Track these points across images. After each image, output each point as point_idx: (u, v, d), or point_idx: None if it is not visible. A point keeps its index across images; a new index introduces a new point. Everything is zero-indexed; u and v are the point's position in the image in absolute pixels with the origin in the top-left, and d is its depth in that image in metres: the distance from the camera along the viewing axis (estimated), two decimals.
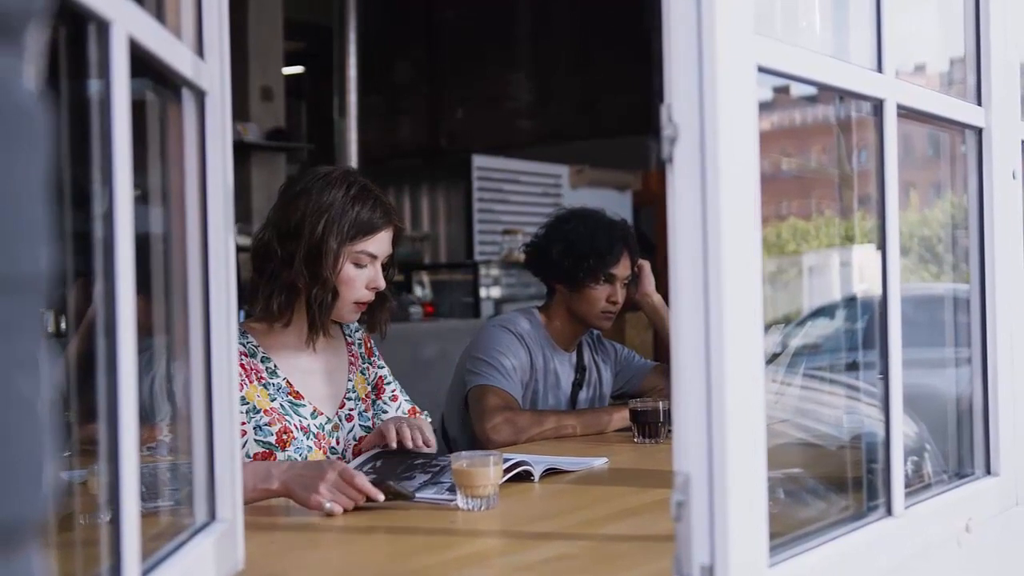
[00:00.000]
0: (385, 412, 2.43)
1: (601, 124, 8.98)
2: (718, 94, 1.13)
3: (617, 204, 7.33)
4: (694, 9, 1.13)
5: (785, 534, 1.30)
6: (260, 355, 2.25)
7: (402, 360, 5.54)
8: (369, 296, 2.27)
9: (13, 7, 0.52)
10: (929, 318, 2.05)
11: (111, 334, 0.99)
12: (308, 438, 2.23)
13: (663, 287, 2.95)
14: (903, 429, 1.54)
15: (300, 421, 2.23)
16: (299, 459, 2.19)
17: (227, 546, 1.38)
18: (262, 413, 2.19)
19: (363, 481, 1.86)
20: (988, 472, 1.82)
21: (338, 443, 2.30)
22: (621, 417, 2.81)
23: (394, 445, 2.14)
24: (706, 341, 1.14)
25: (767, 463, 1.21)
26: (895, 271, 1.52)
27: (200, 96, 1.34)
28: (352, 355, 2.42)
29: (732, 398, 1.13)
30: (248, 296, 2.26)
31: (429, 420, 2.47)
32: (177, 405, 1.43)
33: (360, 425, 2.36)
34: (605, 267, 2.92)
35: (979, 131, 1.82)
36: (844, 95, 1.60)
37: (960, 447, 1.87)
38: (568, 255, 2.92)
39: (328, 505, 1.84)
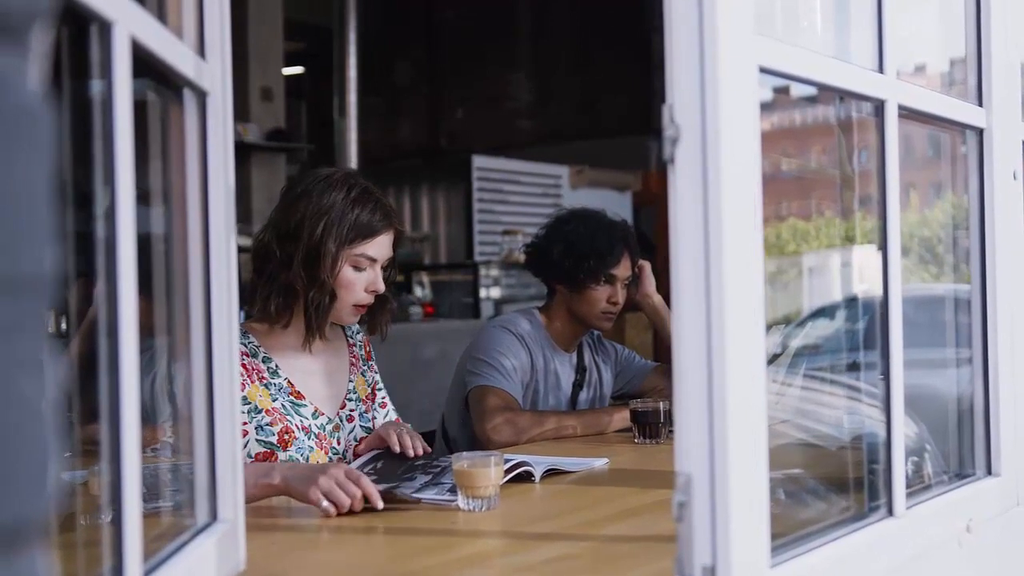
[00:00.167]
0: (374, 418, 2.43)
1: (601, 124, 8.98)
2: (719, 95, 1.13)
3: (617, 204, 7.33)
4: (695, 10, 1.13)
5: (786, 535, 1.30)
6: (261, 355, 2.25)
7: (402, 360, 5.56)
8: (368, 299, 2.27)
9: (17, 7, 0.52)
10: (929, 319, 2.05)
11: (113, 334, 0.99)
12: (309, 438, 2.23)
13: (663, 287, 2.96)
14: (903, 430, 1.54)
15: (301, 421, 2.23)
16: (300, 459, 2.20)
17: (229, 547, 1.38)
18: (263, 413, 2.19)
19: (366, 482, 1.86)
20: (989, 473, 1.82)
21: (339, 443, 2.30)
22: (621, 418, 2.81)
23: (396, 449, 2.14)
24: (707, 341, 1.14)
25: (768, 464, 1.21)
26: (896, 272, 1.52)
27: (202, 96, 1.35)
28: (353, 356, 2.42)
29: (733, 398, 1.13)
30: (247, 297, 2.26)
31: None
32: (178, 406, 1.43)
33: (361, 426, 2.36)
34: (606, 268, 2.92)
35: (980, 132, 1.82)
36: (845, 96, 1.60)
37: (961, 447, 1.87)
38: (569, 256, 2.92)
39: (325, 504, 1.84)
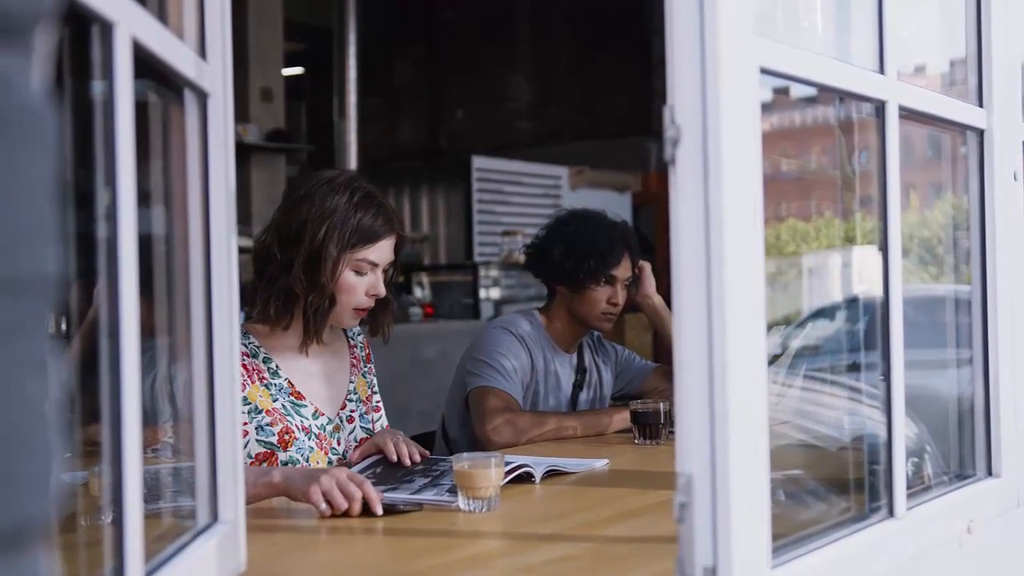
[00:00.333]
0: (374, 421, 2.43)
1: (601, 125, 8.98)
2: (720, 96, 1.13)
3: (616, 205, 7.33)
4: (697, 11, 1.13)
5: (787, 535, 1.30)
6: (262, 356, 2.25)
7: (402, 361, 5.56)
8: (369, 303, 2.26)
9: (20, 8, 0.52)
10: (929, 319, 2.05)
11: (114, 335, 0.99)
12: (309, 438, 2.23)
13: (663, 288, 2.96)
14: (904, 430, 1.54)
15: (301, 421, 2.23)
16: (300, 459, 2.20)
17: (229, 547, 1.38)
18: (264, 413, 2.19)
19: (368, 486, 1.86)
20: (989, 473, 1.82)
21: (339, 444, 2.30)
22: (622, 418, 2.81)
23: (393, 458, 2.14)
24: (708, 342, 1.14)
25: (769, 464, 1.21)
26: (897, 273, 1.52)
27: (202, 97, 1.35)
28: (354, 357, 2.42)
29: (734, 399, 1.14)
30: (247, 299, 2.26)
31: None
32: (179, 406, 1.43)
33: (361, 427, 2.36)
34: (606, 268, 2.92)
35: (980, 132, 1.82)
36: (846, 96, 1.60)
37: (961, 448, 1.87)
38: (569, 256, 2.92)
39: (323, 506, 1.83)
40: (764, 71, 1.22)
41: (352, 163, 7.21)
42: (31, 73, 0.54)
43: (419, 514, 1.88)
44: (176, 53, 1.22)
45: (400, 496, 1.96)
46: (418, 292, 7.34)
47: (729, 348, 1.13)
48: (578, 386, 3.07)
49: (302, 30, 8.30)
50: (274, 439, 2.18)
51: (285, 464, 2.17)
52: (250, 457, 2.15)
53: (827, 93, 1.60)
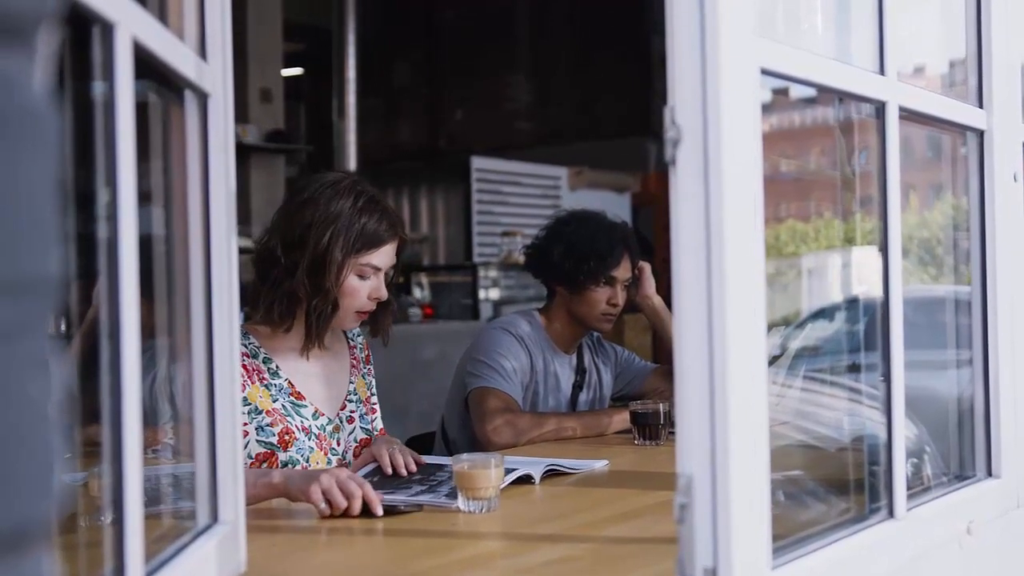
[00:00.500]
0: (373, 422, 2.43)
1: (600, 126, 8.98)
2: (721, 96, 1.13)
3: (616, 205, 7.33)
4: (697, 12, 1.13)
5: (787, 536, 1.30)
6: (262, 356, 2.25)
7: (401, 362, 5.56)
8: (371, 306, 2.27)
9: (22, 8, 0.52)
10: (928, 320, 2.05)
11: (115, 336, 0.99)
12: (309, 439, 2.23)
13: (662, 288, 2.96)
14: (903, 431, 1.54)
15: (301, 422, 2.23)
16: (300, 460, 2.20)
17: (229, 548, 1.38)
18: (264, 414, 2.19)
19: (368, 487, 1.86)
20: (989, 474, 1.82)
21: (339, 444, 2.30)
22: (621, 419, 2.81)
23: (388, 471, 2.13)
24: (709, 343, 1.14)
25: (769, 465, 1.21)
26: (897, 274, 1.52)
27: (203, 98, 1.35)
28: (354, 358, 2.42)
29: (735, 399, 1.14)
30: (249, 301, 2.25)
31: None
32: (179, 407, 1.43)
33: (361, 427, 2.36)
34: (606, 269, 2.92)
35: (980, 133, 1.82)
36: (846, 97, 1.60)
37: (961, 449, 1.87)
38: (569, 257, 2.92)
39: (323, 506, 1.83)
40: (764, 72, 1.22)
41: (351, 164, 7.21)
42: (33, 74, 0.54)
43: (419, 515, 1.88)
44: (176, 54, 1.22)
45: (400, 497, 1.96)
46: (417, 293, 7.35)
47: (729, 349, 1.13)
48: (578, 387, 3.07)
49: (301, 30, 8.30)
50: (274, 439, 2.18)
51: (285, 465, 2.17)
52: (250, 458, 2.15)
53: (826, 94, 1.60)
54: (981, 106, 1.82)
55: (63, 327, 1.36)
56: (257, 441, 2.17)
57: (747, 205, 1.17)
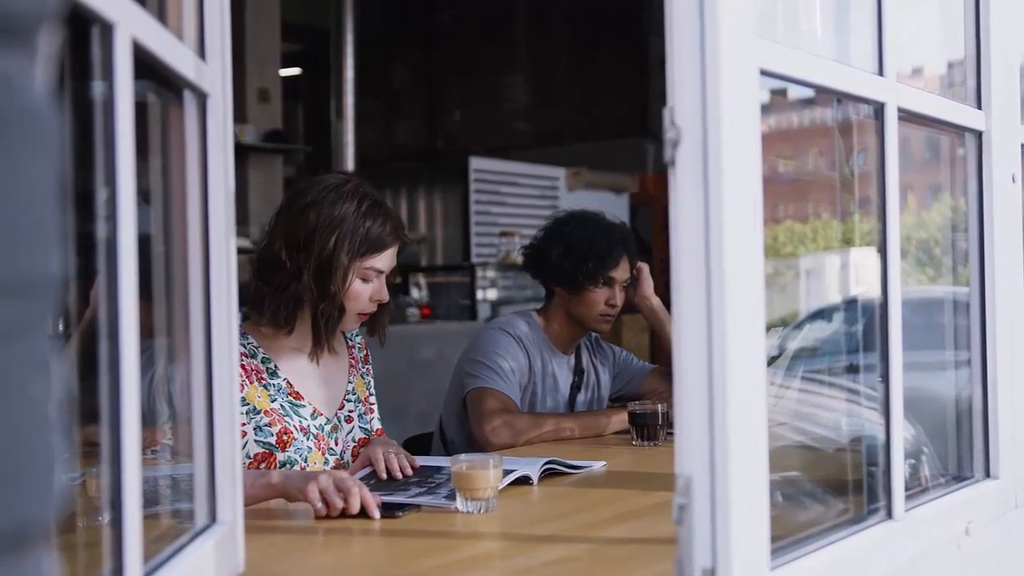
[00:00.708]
0: (372, 422, 2.42)
1: (598, 126, 8.98)
2: (721, 97, 1.13)
3: (614, 206, 7.33)
4: (697, 12, 1.13)
5: (786, 537, 1.30)
6: (261, 356, 2.25)
7: (399, 362, 5.55)
8: (372, 308, 2.28)
9: (24, 9, 0.52)
10: (926, 321, 2.05)
11: (114, 336, 0.99)
12: (308, 439, 2.23)
13: (660, 289, 2.96)
14: (902, 432, 1.54)
15: (300, 422, 2.23)
16: (299, 460, 2.20)
17: (227, 549, 1.38)
18: (262, 414, 2.18)
19: (366, 491, 1.86)
20: (988, 475, 1.82)
21: (336, 444, 2.30)
22: (620, 420, 2.81)
23: (383, 476, 2.12)
24: (708, 343, 1.14)
25: (768, 466, 1.21)
26: (895, 275, 1.52)
27: (202, 98, 1.34)
28: (353, 358, 2.42)
29: (734, 400, 1.13)
30: (251, 304, 2.25)
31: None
32: (177, 408, 1.43)
33: (360, 427, 2.36)
34: (604, 270, 2.92)
35: (979, 134, 1.82)
36: (845, 98, 1.60)
37: (959, 450, 1.87)
38: (567, 258, 2.92)
39: (320, 505, 1.83)
40: (764, 73, 1.22)
41: (349, 164, 7.21)
42: (34, 74, 0.54)
43: (417, 515, 1.88)
44: (176, 54, 1.22)
45: (398, 498, 1.95)
46: (415, 293, 7.34)
47: (729, 350, 1.13)
48: (576, 387, 3.07)
49: (300, 31, 8.30)
50: (272, 439, 2.18)
51: (283, 465, 2.17)
52: (248, 458, 2.15)
53: (824, 94, 1.60)
54: (980, 107, 1.82)
55: (60, 326, 1.36)
56: (255, 441, 2.17)
57: (747, 206, 1.17)
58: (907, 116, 1.58)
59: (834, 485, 1.71)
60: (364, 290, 2.24)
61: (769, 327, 1.30)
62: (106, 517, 1.03)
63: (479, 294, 7.32)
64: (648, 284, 3.07)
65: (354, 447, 2.33)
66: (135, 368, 1.01)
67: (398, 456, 2.16)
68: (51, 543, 0.55)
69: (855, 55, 1.60)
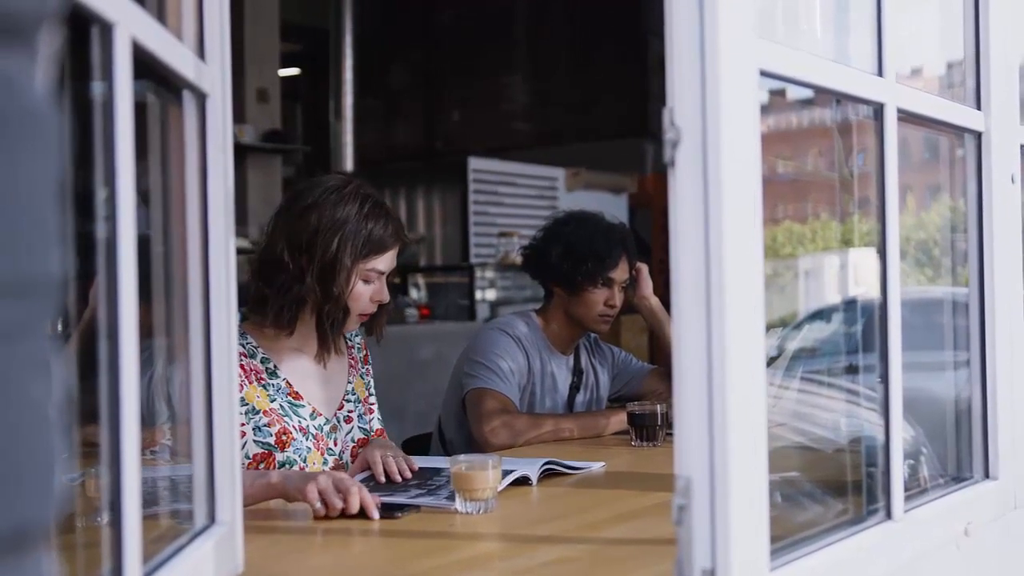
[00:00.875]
0: (371, 422, 2.42)
1: (597, 127, 8.98)
2: (720, 97, 1.13)
3: (612, 206, 7.33)
4: (697, 13, 1.13)
5: (785, 538, 1.30)
6: (260, 356, 2.25)
7: (398, 362, 5.55)
8: (373, 308, 2.28)
9: (25, 9, 0.52)
10: (924, 321, 2.05)
11: (113, 336, 0.99)
12: (307, 439, 2.23)
13: (659, 289, 2.97)
14: (901, 433, 1.54)
15: (299, 422, 2.23)
16: (298, 460, 2.19)
17: (227, 549, 1.38)
18: (261, 414, 2.18)
19: (365, 492, 1.85)
20: (987, 476, 1.82)
21: (335, 444, 2.30)
22: (619, 420, 2.81)
23: (382, 479, 2.11)
24: (708, 344, 1.14)
25: (768, 467, 1.21)
26: (895, 275, 1.52)
27: (201, 98, 1.34)
28: (352, 358, 2.42)
29: (734, 401, 1.13)
30: (253, 304, 2.25)
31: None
32: (177, 408, 1.43)
33: (359, 427, 2.36)
34: (603, 270, 2.92)
35: (978, 135, 1.82)
36: (845, 99, 1.60)
37: (959, 451, 1.87)
38: (567, 258, 2.92)
39: (318, 505, 1.83)
40: (764, 73, 1.22)
41: (348, 164, 7.21)
42: (35, 74, 0.54)
43: (416, 516, 1.88)
44: (175, 54, 1.22)
45: (398, 499, 1.95)
46: (414, 293, 7.34)
47: (729, 350, 1.13)
48: (575, 388, 3.07)
49: (298, 31, 8.30)
50: (271, 440, 2.18)
51: (282, 465, 2.17)
52: (247, 458, 2.15)
53: (823, 95, 1.60)
54: (979, 108, 1.82)
55: (59, 326, 1.36)
56: (254, 441, 2.16)
57: (747, 206, 1.17)
58: (906, 117, 1.58)
59: (833, 486, 1.71)
60: (365, 291, 2.24)
61: (768, 327, 1.31)
62: (105, 517, 1.03)
63: (478, 294, 7.31)
64: (647, 284, 3.07)
65: (353, 447, 2.33)
66: (135, 368, 1.00)
67: (396, 459, 2.16)
68: (51, 543, 0.55)
69: (855, 55, 1.60)
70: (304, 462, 2.21)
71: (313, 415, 2.26)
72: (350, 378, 2.39)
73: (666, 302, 2.62)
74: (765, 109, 1.25)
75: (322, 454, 2.25)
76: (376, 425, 2.45)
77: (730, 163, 1.14)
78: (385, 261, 2.25)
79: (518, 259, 4.20)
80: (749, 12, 1.19)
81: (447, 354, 4.65)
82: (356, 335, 2.45)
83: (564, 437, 2.78)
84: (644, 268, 3.08)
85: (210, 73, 1.36)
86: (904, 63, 1.74)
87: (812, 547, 1.35)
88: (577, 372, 3.08)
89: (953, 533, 1.68)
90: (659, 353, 3.35)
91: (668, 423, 2.62)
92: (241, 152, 6.98)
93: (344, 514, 1.83)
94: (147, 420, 1.41)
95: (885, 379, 1.52)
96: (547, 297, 3.06)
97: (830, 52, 1.75)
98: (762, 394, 1.20)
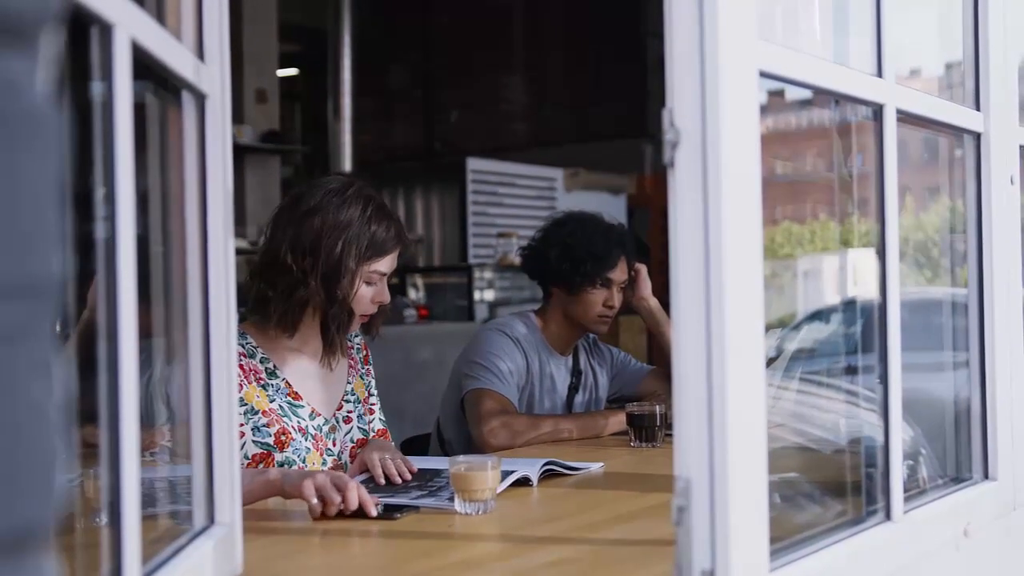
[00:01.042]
0: (371, 423, 2.42)
1: (595, 128, 8.98)
2: (720, 98, 1.13)
3: (611, 207, 7.32)
4: (696, 13, 1.13)
5: (785, 538, 1.30)
6: (259, 356, 2.24)
7: (396, 363, 5.55)
8: (374, 310, 2.29)
9: (26, 10, 0.52)
10: (923, 322, 2.05)
11: (112, 337, 0.98)
12: (306, 439, 2.23)
13: (657, 290, 2.96)
14: (900, 434, 1.54)
15: (299, 422, 2.23)
16: (297, 460, 2.19)
17: (226, 550, 1.37)
18: (260, 414, 2.18)
19: (363, 490, 1.85)
20: (986, 477, 1.82)
21: (334, 444, 2.30)
22: (617, 421, 2.81)
23: (381, 482, 2.10)
24: (707, 345, 1.14)
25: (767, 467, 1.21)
26: (894, 276, 1.52)
27: (200, 99, 1.34)
28: (352, 359, 2.42)
29: (733, 402, 1.13)
30: (254, 306, 2.25)
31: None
32: (176, 409, 1.42)
33: (358, 427, 2.36)
34: (602, 271, 2.92)
35: (978, 136, 1.82)
36: (844, 100, 1.60)
37: (958, 452, 1.87)
38: (565, 259, 2.92)
39: (315, 501, 1.82)
40: (763, 74, 1.22)
41: (347, 165, 7.20)
42: (36, 76, 0.53)
43: (416, 517, 1.88)
44: (174, 54, 1.21)
45: (397, 500, 1.95)
46: (412, 294, 7.33)
47: (728, 351, 1.13)
48: (574, 388, 3.07)
49: (297, 31, 8.30)
50: (270, 440, 2.18)
51: (281, 465, 2.17)
52: (247, 458, 2.15)
53: (822, 96, 1.60)
54: (978, 109, 1.82)
55: (59, 326, 1.35)
56: (253, 442, 2.16)
57: (746, 207, 1.17)
58: (906, 118, 1.58)
59: (833, 486, 1.71)
60: (367, 293, 2.25)
61: (767, 328, 1.31)
62: (105, 518, 1.03)
63: (476, 295, 7.31)
64: (646, 285, 3.07)
65: (352, 448, 2.33)
66: (134, 369, 1.00)
67: (395, 461, 2.15)
68: (51, 544, 0.55)
69: (854, 56, 1.60)
70: (303, 462, 2.20)
71: (312, 415, 2.26)
72: (350, 378, 2.39)
73: (665, 303, 2.62)
74: (764, 110, 1.25)
75: (321, 454, 2.25)
76: (377, 426, 2.44)
77: (730, 164, 1.14)
78: (387, 263, 2.26)
79: (517, 260, 4.20)
80: (749, 13, 1.19)
81: (446, 355, 4.64)
82: (356, 335, 2.45)
83: (563, 438, 2.78)
84: (643, 269, 3.08)
85: (209, 74, 1.36)
86: (903, 64, 1.74)
87: (812, 548, 1.35)
88: (576, 373, 3.08)
89: (953, 534, 1.68)
90: (658, 354, 3.35)
91: (667, 424, 2.62)
92: (240, 152, 6.97)
93: (342, 514, 1.83)
94: (146, 421, 1.40)
95: (884, 380, 1.52)
96: (546, 298, 3.06)
97: (829, 53, 1.75)
98: (761, 395, 1.20)
